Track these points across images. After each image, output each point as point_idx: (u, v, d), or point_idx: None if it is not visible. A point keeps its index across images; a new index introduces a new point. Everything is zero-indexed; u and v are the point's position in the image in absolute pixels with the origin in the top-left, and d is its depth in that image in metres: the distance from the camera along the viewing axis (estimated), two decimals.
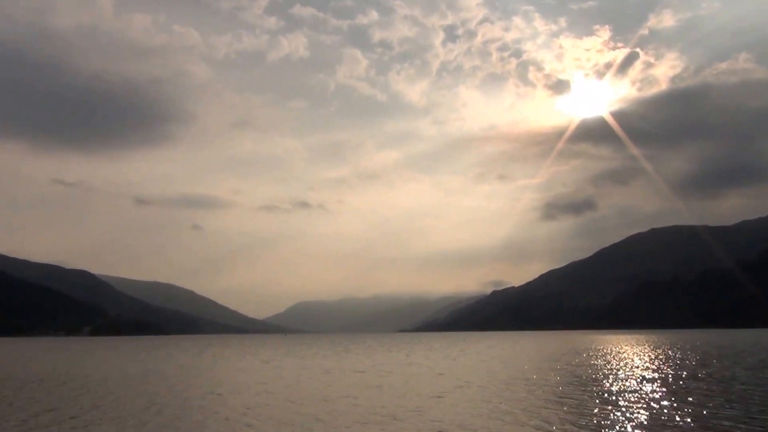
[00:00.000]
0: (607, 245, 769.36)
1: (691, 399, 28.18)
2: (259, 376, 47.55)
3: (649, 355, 70.27)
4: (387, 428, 21.25)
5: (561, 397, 29.80)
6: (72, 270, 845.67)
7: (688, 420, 22.25)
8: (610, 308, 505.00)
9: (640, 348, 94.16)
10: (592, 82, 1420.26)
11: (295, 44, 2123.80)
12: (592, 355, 73.46)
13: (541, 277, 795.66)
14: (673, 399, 28.30)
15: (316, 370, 55.09)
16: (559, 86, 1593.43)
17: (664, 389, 32.66)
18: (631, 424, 21.61)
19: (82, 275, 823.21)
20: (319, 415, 24.69)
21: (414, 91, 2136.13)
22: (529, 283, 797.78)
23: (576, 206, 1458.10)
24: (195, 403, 29.46)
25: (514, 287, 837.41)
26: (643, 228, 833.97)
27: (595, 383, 37.20)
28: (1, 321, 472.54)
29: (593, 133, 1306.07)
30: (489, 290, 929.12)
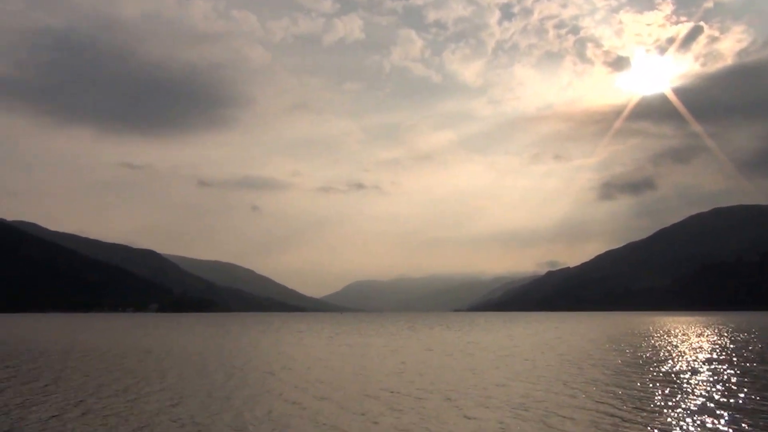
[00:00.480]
0: (666, 225, 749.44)
1: (764, 382, 28.14)
2: (328, 353, 48.93)
3: (713, 337, 69.24)
4: (475, 402, 22.14)
5: (629, 377, 30.22)
6: (139, 249, 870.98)
7: (758, 400, 22.45)
8: (669, 290, 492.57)
9: (702, 330, 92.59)
10: (653, 58, 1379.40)
11: (351, 26, 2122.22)
12: (654, 337, 72.84)
13: (598, 257, 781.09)
14: (743, 381, 28.33)
15: (382, 348, 56.34)
16: (618, 63, 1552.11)
17: (732, 371, 32.59)
18: (704, 405, 21.90)
19: (149, 255, 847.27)
20: (400, 390, 25.69)
21: (469, 70, 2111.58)
22: (585, 264, 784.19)
23: (634, 186, 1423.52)
24: (272, 378, 30.79)
25: (569, 268, 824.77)
26: (705, 208, 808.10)
27: (661, 364, 37.34)
28: (74, 298, 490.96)
29: (653, 110, 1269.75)
30: (544, 271, 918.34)
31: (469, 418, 19.42)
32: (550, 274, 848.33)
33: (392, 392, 25.11)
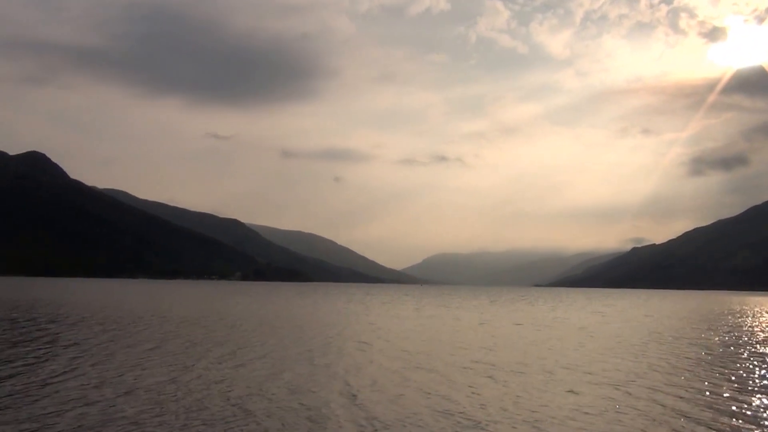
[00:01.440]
0: (759, 203, 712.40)
1: None
2: (417, 324, 48.97)
3: None
4: (577, 378, 21.61)
5: (730, 357, 28.94)
6: (224, 219, 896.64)
7: None
8: (760, 269, 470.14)
9: None
10: (750, 29, 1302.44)
11: None
12: (747, 317, 69.76)
13: (686, 234, 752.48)
14: None
15: (470, 321, 56.10)
16: (713, 34, 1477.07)
17: None
18: None
19: (233, 224, 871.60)
20: (497, 363, 25.34)
21: (556, 42, 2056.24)
22: (671, 241, 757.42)
23: (726, 162, 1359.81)
24: (369, 348, 30.90)
25: (655, 245, 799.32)
26: None
27: (762, 345, 35.70)
28: (161, 265, 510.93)
29: (750, 83, 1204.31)
30: (628, 247, 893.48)
31: (575, 393, 18.91)
32: (634, 251, 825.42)
33: (491, 365, 24.77)
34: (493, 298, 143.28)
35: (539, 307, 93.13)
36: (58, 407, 14.98)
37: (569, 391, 19.23)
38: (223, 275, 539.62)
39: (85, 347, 27.17)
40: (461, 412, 15.71)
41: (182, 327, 39.81)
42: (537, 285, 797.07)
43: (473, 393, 18.56)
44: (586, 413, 16.01)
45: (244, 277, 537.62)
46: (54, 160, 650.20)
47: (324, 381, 20.06)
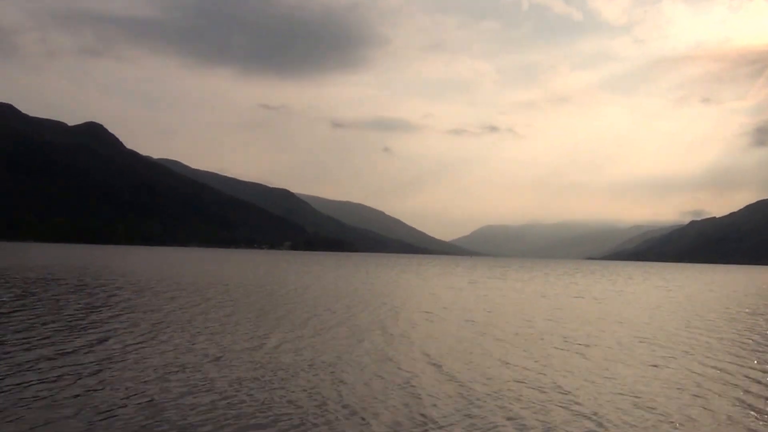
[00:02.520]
0: None
1: None
2: (478, 296, 48.65)
3: None
4: (656, 352, 21.00)
5: None
6: (274, 189, 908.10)
7: None
8: None
9: None
10: None
11: None
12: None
13: (748, 207, 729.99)
14: None
15: (531, 293, 55.46)
16: None
17: None
18: None
19: (283, 194, 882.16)
20: (570, 336, 24.88)
21: (612, 7, 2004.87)
22: (733, 214, 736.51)
23: None
24: (437, 318, 30.78)
25: (715, 218, 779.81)
26: None
27: None
28: (211, 234, 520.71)
29: None
30: (686, 220, 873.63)
31: (657, 367, 18.31)
32: (693, 223, 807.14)
33: (563, 337, 24.26)
34: (548, 270, 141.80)
35: (598, 280, 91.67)
36: (152, 373, 15.11)
37: (652, 365, 18.65)
38: (273, 245, 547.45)
39: (161, 314, 27.60)
40: (553, 385, 15.29)
41: (248, 294, 40.28)
42: (590, 258, 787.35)
43: (557, 365, 18.10)
44: (672, 388, 15.43)
45: (294, 247, 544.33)
46: (111, 130, 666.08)
47: (404, 350, 19.87)
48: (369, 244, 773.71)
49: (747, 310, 41.84)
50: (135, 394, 12.84)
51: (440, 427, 11.26)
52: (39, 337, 19.63)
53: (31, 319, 24.20)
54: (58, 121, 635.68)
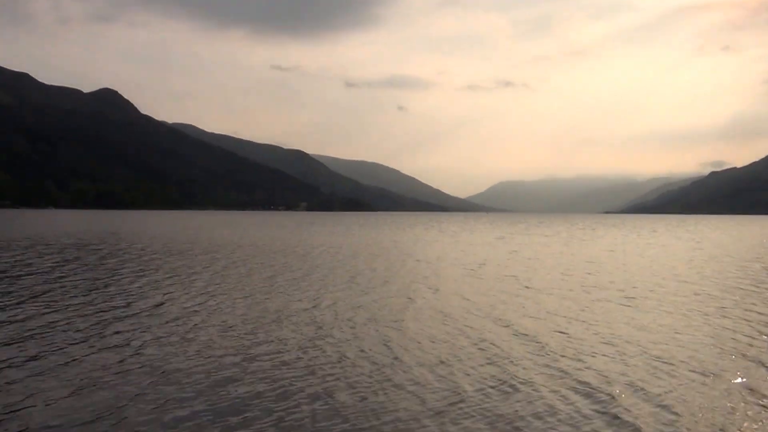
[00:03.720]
0: None
1: None
2: (508, 251, 48.44)
3: None
4: (706, 307, 20.86)
5: None
6: (289, 150, 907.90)
7: None
8: None
9: None
10: None
11: None
12: None
13: None
14: None
15: (559, 247, 55.22)
16: None
17: None
18: None
19: (298, 155, 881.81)
20: (612, 287, 24.82)
21: None
22: (755, 164, 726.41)
23: None
24: (476, 274, 30.77)
25: (736, 168, 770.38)
26: None
27: None
28: (228, 197, 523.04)
29: None
30: (707, 171, 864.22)
31: (708, 325, 18.14)
32: (713, 174, 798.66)
33: (611, 290, 24.15)
34: (570, 225, 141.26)
35: (623, 233, 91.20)
36: (219, 334, 15.22)
37: (702, 325, 18.49)
38: (289, 206, 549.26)
39: (206, 277, 27.80)
40: (620, 339, 15.22)
41: (283, 255, 40.44)
42: (607, 212, 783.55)
43: (615, 318, 17.99)
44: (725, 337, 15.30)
45: (310, 208, 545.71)
46: (125, 96, 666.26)
47: (459, 306, 19.84)
48: (385, 203, 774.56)
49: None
50: (209, 356, 12.92)
51: (529, 384, 11.25)
52: (100, 301, 19.84)
53: (85, 283, 24.45)
54: (74, 89, 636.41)
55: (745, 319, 18.14)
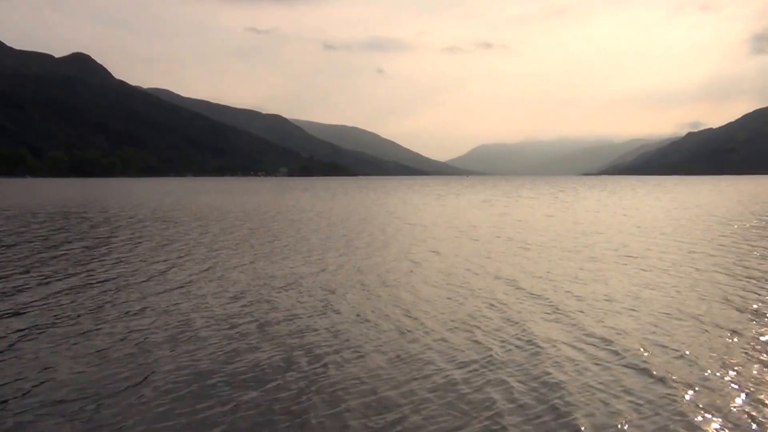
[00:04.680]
0: None
1: None
2: (496, 213, 48.71)
3: None
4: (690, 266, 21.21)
5: None
6: (267, 115, 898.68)
7: None
8: None
9: None
10: None
11: None
12: None
13: (746, 117, 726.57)
14: None
15: (548, 209, 55.61)
16: None
17: None
18: None
19: (276, 120, 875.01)
20: (608, 251, 25.11)
21: None
22: (730, 124, 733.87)
23: None
24: (467, 237, 30.93)
25: (712, 129, 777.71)
26: None
27: None
28: (206, 163, 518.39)
29: None
30: (684, 132, 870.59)
31: (707, 281, 18.47)
32: (690, 135, 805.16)
33: (609, 249, 24.40)
34: (552, 187, 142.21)
35: (604, 194, 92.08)
36: (231, 299, 15.24)
37: (689, 287, 18.79)
38: (269, 172, 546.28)
39: (205, 243, 27.73)
40: (632, 296, 15.47)
41: (275, 221, 40.36)
42: (586, 173, 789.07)
43: (624, 279, 18.21)
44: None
45: (290, 173, 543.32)
46: (98, 60, 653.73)
47: (464, 269, 19.97)
48: (366, 168, 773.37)
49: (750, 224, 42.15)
50: (227, 323, 12.95)
51: (550, 341, 11.42)
52: (103, 270, 19.72)
53: (83, 252, 24.28)
54: (45, 53, 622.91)
55: (740, 275, 18.47)
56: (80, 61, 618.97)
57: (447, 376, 9.49)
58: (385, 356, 10.48)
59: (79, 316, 13.33)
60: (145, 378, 9.38)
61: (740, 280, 17.79)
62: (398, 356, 10.47)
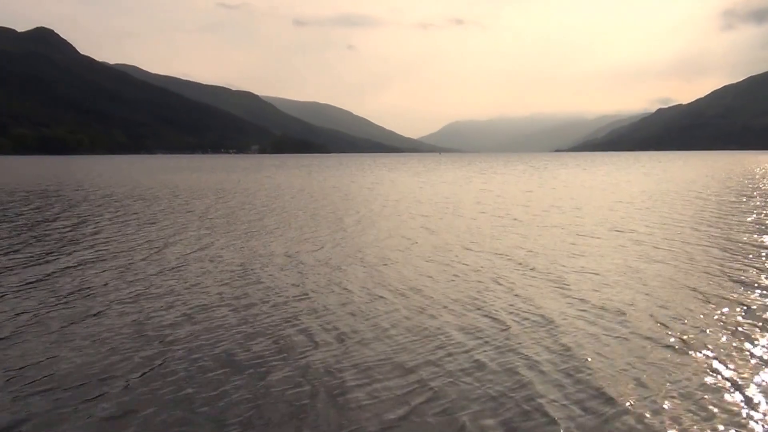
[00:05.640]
0: None
1: None
2: (480, 190, 48.97)
3: None
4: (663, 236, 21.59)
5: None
6: (238, 91, 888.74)
7: None
8: None
9: None
10: None
11: None
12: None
13: (714, 93, 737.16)
14: None
15: (527, 185, 56.07)
16: None
17: None
18: None
19: (247, 96, 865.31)
20: (586, 224, 25.42)
21: None
22: (699, 100, 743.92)
23: (760, 13, 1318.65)
24: (456, 212, 31.15)
25: (682, 105, 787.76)
26: None
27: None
28: (176, 140, 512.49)
29: None
30: (654, 108, 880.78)
31: (700, 254, 18.84)
32: (660, 111, 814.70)
33: (599, 224, 24.72)
34: (527, 164, 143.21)
35: (582, 170, 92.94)
36: (233, 277, 15.18)
37: (651, 252, 19.13)
38: (240, 149, 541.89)
39: (193, 221, 27.53)
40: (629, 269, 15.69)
41: (258, 198, 40.12)
42: (558, 150, 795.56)
43: (618, 252, 18.43)
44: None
45: (261, 150, 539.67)
46: (62, 35, 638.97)
47: (460, 245, 20.06)
48: (338, 145, 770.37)
49: (721, 197, 42.94)
50: (237, 302, 12.90)
51: (563, 315, 11.56)
52: (93, 251, 19.47)
53: (68, 233, 23.93)
54: (7, 28, 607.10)
55: (730, 247, 18.82)
56: (44, 36, 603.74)
57: (470, 351, 9.57)
58: (406, 333, 10.52)
59: (87, 296, 13.17)
60: (151, 362, 9.17)
61: (731, 252, 18.15)
62: (419, 332, 10.52)
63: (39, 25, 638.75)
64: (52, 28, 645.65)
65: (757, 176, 69.07)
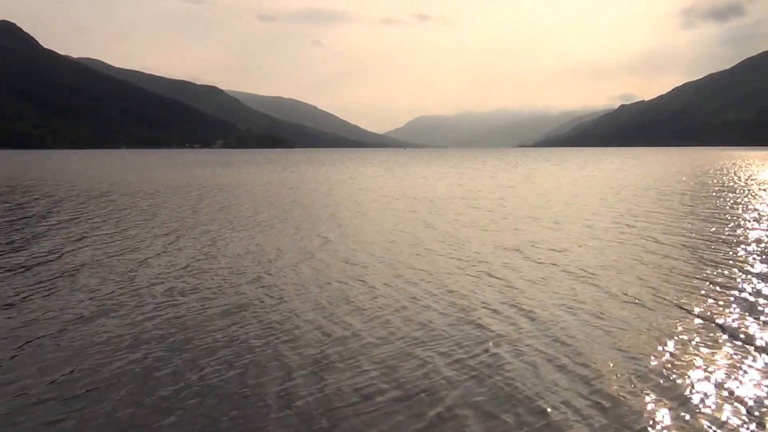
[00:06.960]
0: (754, 54, 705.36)
1: None
2: (456, 185, 49.44)
3: None
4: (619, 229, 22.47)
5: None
6: (203, 86, 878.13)
7: None
8: (753, 123, 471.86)
9: None
10: None
11: None
12: (734, 171, 71.39)
13: (675, 90, 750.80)
14: None
15: (499, 181, 56.87)
16: None
17: None
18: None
19: (212, 91, 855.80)
20: (558, 218, 26.18)
21: None
22: (661, 97, 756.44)
23: (719, 12, 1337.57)
24: (422, 209, 31.68)
25: (644, 101, 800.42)
26: None
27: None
28: (140, 135, 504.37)
29: None
30: (617, 105, 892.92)
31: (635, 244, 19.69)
32: (623, 108, 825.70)
33: (582, 218, 25.48)
34: (495, 159, 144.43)
35: (549, 165, 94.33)
36: (229, 271, 15.55)
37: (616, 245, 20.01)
38: (205, 144, 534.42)
39: (177, 216, 27.54)
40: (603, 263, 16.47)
41: (241, 194, 40.12)
42: (522, 146, 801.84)
43: (594, 246, 19.07)
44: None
45: (226, 145, 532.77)
46: (24, 29, 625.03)
47: (451, 238, 20.59)
48: (304, 140, 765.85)
49: (678, 190, 44.30)
50: (248, 297, 13.25)
51: (544, 307, 12.29)
52: (90, 249, 19.61)
53: (57, 231, 23.98)
54: None
55: (712, 237, 19.76)
56: (5, 29, 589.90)
57: (482, 344, 10.11)
58: (409, 322, 11.11)
59: (86, 299, 13.35)
60: (152, 362, 9.09)
61: (714, 242, 19.06)
62: (419, 331, 10.77)
63: (1, 19, 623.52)
64: (13, 21, 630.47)
65: (736, 172, 71.02)
